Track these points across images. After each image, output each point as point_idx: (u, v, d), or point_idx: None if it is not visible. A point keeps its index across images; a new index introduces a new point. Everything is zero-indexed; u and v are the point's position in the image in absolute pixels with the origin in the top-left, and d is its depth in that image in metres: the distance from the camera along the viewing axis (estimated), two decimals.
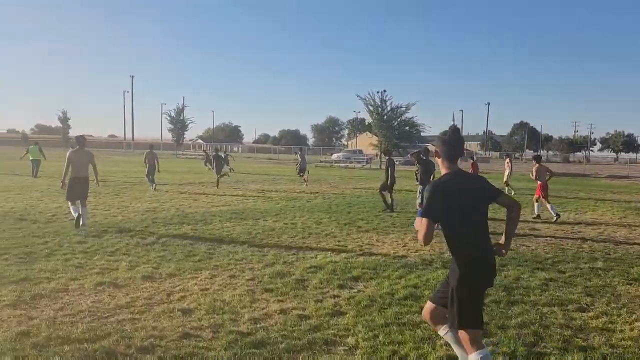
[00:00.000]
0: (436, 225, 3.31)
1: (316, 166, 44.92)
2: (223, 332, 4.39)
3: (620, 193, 22.11)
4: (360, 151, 66.18)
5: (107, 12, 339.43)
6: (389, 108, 44.23)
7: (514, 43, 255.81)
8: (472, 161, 21.26)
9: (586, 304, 5.55)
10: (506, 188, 20.10)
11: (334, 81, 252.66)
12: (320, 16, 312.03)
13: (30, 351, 3.89)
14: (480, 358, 3.24)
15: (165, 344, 4.12)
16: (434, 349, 4.21)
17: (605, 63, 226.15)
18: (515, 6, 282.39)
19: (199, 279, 6.18)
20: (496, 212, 13.64)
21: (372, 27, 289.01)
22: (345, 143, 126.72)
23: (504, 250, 3.53)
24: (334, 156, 61.33)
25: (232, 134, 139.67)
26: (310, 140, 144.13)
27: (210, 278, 6.22)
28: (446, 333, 3.58)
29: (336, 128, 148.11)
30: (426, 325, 4.68)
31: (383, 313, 4.98)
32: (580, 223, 12.07)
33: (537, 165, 13.35)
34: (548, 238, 9.81)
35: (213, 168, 21.28)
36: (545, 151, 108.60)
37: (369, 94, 44.59)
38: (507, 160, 20.86)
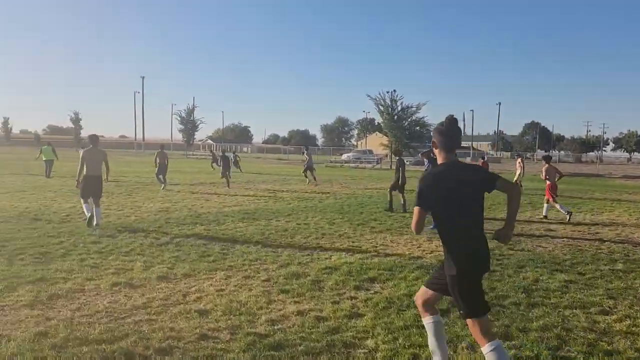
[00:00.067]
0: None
1: (326, 166, 44.90)
2: (241, 334, 4.35)
3: (636, 193, 21.81)
4: (371, 151, 66.03)
5: (117, 13, 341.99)
6: (399, 108, 44.14)
7: (525, 42, 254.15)
8: (482, 161, 21.12)
9: (609, 307, 5.44)
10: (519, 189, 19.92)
11: (344, 81, 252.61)
12: (331, 16, 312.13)
13: (49, 352, 3.86)
14: (492, 350, 3.19)
15: (183, 346, 4.08)
16: (455, 352, 4.14)
17: (618, 63, 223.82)
18: (525, 5, 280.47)
19: (214, 279, 6.14)
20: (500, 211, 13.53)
21: (382, 28, 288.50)
22: (355, 143, 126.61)
23: (506, 237, 3.42)
24: (344, 156, 61.26)
25: (241, 134, 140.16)
26: (320, 140, 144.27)
27: (225, 279, 6.18)
28: (430, 322, 3.59)
29: (345, 128, 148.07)
30: (447, 328, 4.62)
31: (402, 315, 4.91)
32: (597, 224, 11.89)
33: (547, 165, 13.29)
34: (565, 239, 9.67)
35: (220, 168, 21.33)
36: (557, 151, 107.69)
37: (379, 94, 44.57)
38: (519, 160, 20.70)
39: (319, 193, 18.12)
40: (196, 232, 9.38)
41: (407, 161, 35.62)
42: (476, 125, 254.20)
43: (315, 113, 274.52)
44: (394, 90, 44.25)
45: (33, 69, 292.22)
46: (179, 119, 73.66)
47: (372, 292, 5.76)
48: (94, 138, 10.09)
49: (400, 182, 13.51)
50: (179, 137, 79.69)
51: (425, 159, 13.36)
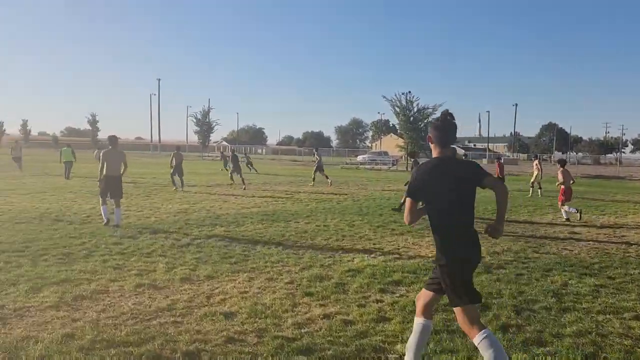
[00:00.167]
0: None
1: (342, 168, 44.82)
2: (268, 337, 4.28)
3: None
4: (386, 153, 65.78)
5: (134, 15, 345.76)
6: (415, 109, 43.89)
7: (543, 43, 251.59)
8: (498, 162, 20.96)
9: None
10: (531, 190, 19.66)
11: (358, 83, 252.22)
12: (347, 16, 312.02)
13: (76, 354, 3.83)
14: (483, 338, 3.22)
15: (210, 349, 4.02)
16: None
17: (637, 63, 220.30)
18: (545, 5, 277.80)
19: (237, 281, 6.09)
20: (518, 213, 13.32)
21: (398, 29, 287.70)
22: (369, 145, 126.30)
23: (496, 232, 3.44)
24: (360, 158, 61.12)
25: (256, 135, 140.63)
26: (334, 142, 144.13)
27: (248, 281, 6.13)
28: (420, 324, 3.58)
29: (360, 130, 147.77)
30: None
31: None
32: (622, 227, 11.64)
33: (562, 169, 13.12)
34: (591, 242, 9.46)
35: (231, 168, 21.39)
36: (575, 153, 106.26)
37: (395, 95, 44.36)
38: (536, 162, 20.40)
39: (336, 195, 18.04)
40: (216, 233, 9.36)
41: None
42: (492, 126, 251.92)
43: (330, 114, 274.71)
44: (409, 92, 44.09)
45: (50, 71, 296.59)
46: (194, 120, 74.08)
47: (398, 295, 5.66)
48: (113, 139, 10.33)
49: None
50: (194, 138, 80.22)
51: None
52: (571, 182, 13.09)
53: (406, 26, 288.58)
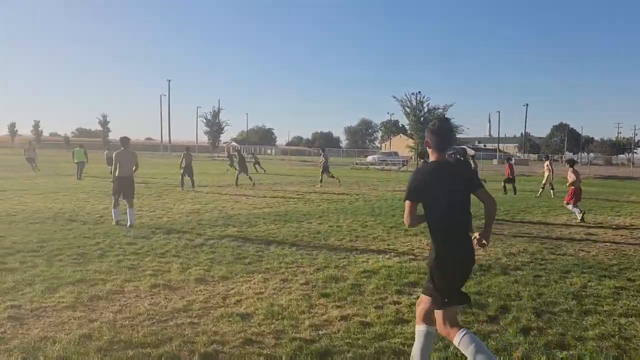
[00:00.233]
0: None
1: (352, 168, 44.74)
2: (286, 339, 4.23)
3: None
4: (396, 153, 65.57)
5: (144, 15, 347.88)
6: (425, 110, 43.71)
7: (552, 42, 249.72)
8: (508, 163, 20.87)
9: None
10: (541, 190, 19.47)
11: (368, 83, 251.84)
12: (355, 16, 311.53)
13: (94, 355, 3.81)
14: (463, 335, 3.30)
15: (228, 351, 3.99)
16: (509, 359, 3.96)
17: None
18: (553, 4, 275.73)
19: (252, 282, 6.06)
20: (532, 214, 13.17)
21: (406, 28, 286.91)
22: (379, 145, 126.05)
23: (484, 242, 3.49)
24: (369, 158, 60.95)
25: (265, 136, 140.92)
26: (344, 142, 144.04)
27: (264, 282, 6.09)
28: (422, 331, 3.55)
29: (369, 130, 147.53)
30: (497, 335, 4.44)
31: None
32: (639, 228, 11.47)
33: (572, 168, 13.06)
34: (607, 243, 9.33)
35: (237, 168, 21.45)
36: (586, 153, 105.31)
37: (405, 95, 44.20)
38: (547, 162, 20.21)
39: (347, 195, 17.98)
40: (229, 233, 9.34)
41: None
42: (502, 126, 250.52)
43: (339, 115, 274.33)
44: (419, 92, 43.92)
45: (61, 72, 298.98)
46: (204, 121, 74.33)
47: (415, 296, 5.58)
48: (125, 140, 10.41)
49: None
50: (203, 139, 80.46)
51: (449, 159, 13.07)
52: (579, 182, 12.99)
53: (415, 26, 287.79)
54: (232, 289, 5.76)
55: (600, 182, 32.45)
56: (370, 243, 8.80)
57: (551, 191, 19.01)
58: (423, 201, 3.44)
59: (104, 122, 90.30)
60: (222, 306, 5.11)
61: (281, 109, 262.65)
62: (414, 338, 4.29)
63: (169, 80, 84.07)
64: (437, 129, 3.56)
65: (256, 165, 33.12)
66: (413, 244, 8.80)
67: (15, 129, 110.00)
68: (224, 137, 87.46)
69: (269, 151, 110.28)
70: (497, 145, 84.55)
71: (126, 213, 10.00)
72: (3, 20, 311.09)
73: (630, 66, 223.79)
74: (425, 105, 43.58)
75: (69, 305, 4.97)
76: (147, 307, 5.01)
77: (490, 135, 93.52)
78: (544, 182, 19.71)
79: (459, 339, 3.32)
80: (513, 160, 22.45)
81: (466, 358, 3.36)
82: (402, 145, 57.91)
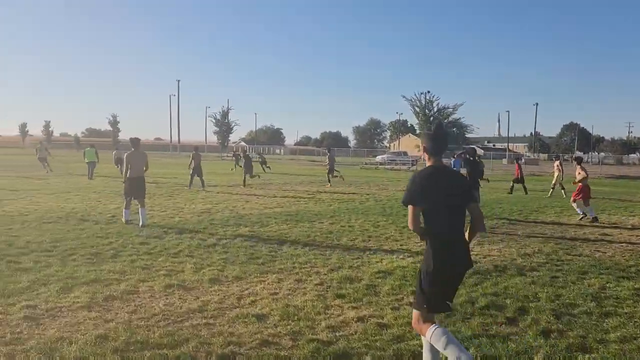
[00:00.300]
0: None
1: (361, 168, 44.64)
2: (303, 341, 4.19)
3: None
4: (405, 153, 65.32)
5: (151, 19, 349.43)
6: (435, 109, 43.52)
7: (563, 42, 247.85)
8: (517, 163, 20.77)
9: None
10: (551, 190, 19.27)
11: (376, 83, 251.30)
12: (364, 16, 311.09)
13: (111, 356, 3.79)
14: (434, 330, 3.38)
15: (245, 352, 3.95)
16: None
17: None
18: (565, 4, 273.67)
19: (266, 282, 6.02)
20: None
21: (415, 27, 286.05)
22: (387, 145, 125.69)
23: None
24: (379, 158, 60.72)
25: (274, 136, 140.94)
26: (352, 142, 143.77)
27: (278, 282, 6.05)
28: (431, 332, 3.46)
29: (378, 130, 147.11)
30: (517, 338, 4.37)
31: (468, 323, 4.67)
32: None
33: (579, 166, 13.04)
34: (623, 244, 9.19)
35: (243, 167, 21.53)
36: (597, 153, 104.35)
37: (414, 94, 44.02)
38: (557, 162, 20.01)
39: (358, 195, 17.92)
40: (241, 233, 9.31)
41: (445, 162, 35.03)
42: (512, 126, 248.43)
43: (348, 115, 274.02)
44: (428, 91, 43.72)
45: (72, 72, 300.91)
46: (214, 121, 74.53)
47: None
48: (135, 141, 10.43)
49: None
50: (212, 139, 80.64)
51: (458, 160, 13.01)
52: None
53: (423, 26, 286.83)
54: (247, 289, 5.73)
55: (612, 182, 32.11)
56: (383, 243, 8.74)
57: (562, 191, 18.81)
58: (423, 203, 3.45)
59: (114, 122, 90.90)
60: (237, 307, 5.08)
61: (290, 109, 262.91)
62: None
63: (179, 81, 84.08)
64: (433, 133, 3.63)
65: (263, 165, 33.19)
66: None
67: (26, 129, 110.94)
68: (233, 137, 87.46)
69: (277, 151, 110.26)
70: (506, 144, 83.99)
71: (138, 213, 10.02)
72: (15, 21, 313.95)
73: None
74: (434, 104, 43.40)
75: (84, 305, 4.96)
76: (162, 307, 4.99)
77: (499, 134, 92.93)
78: (553, 182, 19.52)
79: (430, 334, 3.39)
80: (523, 160, 22.31)
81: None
82: (410, 145, 57.75)
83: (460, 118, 44.69)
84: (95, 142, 31.32)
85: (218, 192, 17.50)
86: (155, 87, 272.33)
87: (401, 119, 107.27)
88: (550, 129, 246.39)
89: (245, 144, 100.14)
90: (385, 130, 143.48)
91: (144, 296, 5.35)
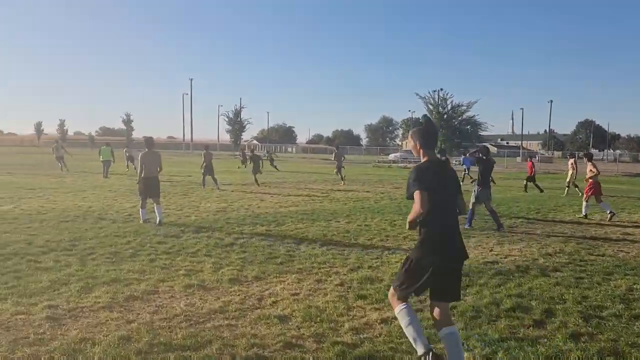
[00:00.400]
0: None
1: (374, 166, 44.47)
2: (327, 343, 4.12)
3: None
4: None
5: (164, 18, 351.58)
6: (449, 107, 43.18)
7: (579, 38, 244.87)
8: (530, 161, 20.59)
9: None
10: (566, 189, 19.00)
11: (389, 81, 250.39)
12: (373, 16, 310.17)
13: (135, 358, 3.76)
14: (402, 309, 3.62)
15: (270, 355, 3.89)
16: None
17: None
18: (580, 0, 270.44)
19: (285, 283, 5.96)
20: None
21: (426, 27, 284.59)
22: (400, 143, 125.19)
23: None
24: (391, 156, 60.47)
25: (285, 134, 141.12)
26: (364, 140, 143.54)
27: (297, 282, 5.99)
28: (444, 336, 3.58)
29: (390, 128, 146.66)
30: (546, 341, 4.26)
31: (494, 326, 4.57)
32: None
33: (591, 163, 12.91)
34: None
35: (248, 167, 21.68)
36: (612, 150, 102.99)
37: (428, 92, 43.72)
38: (572, 160, 19.73)
39: (373, 193, 17.82)
40: (258, 232, 9.28)
41: (455, 161, 34.72)
42: (526, 123, 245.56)
43: (360, 113, 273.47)
44: (441, 89, 43.45)
45: (85, 71, 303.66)
46: (227, 119, 74.71)
47: None
48: (149, 141, 10.44)
49: None
50: (225, 137, 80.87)
51: (471, 158, 12.90)
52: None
53: (439, 26, 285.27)
54: (267, 289, 5.68)
55: (630, 180, 31.62)
56: (401, 242, 8.64)
57: (576, 189, 18.59)
58: (429, 191, 3.47)
59: (128, 121, 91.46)
60: (259, 307, 5.03)
61: (302, 107, 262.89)
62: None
63: (191, 79, 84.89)
64: (425, 129, 3.73)
65: (272, 164, 33.32)
66: None
67: (42, 128, 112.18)
68: (246, 136, 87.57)
69: (289, 149, 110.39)
70: (520, 142, 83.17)
71: (154, 211, 10.03)
72: (31, 21, 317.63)
73: None
74: (448, 102, 43.05)
75: (105, 305, 4.94)
76: (183, 308, 4.95)
77: (513, 132, 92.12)
78: (567, 180, 19.28)
79: (398, 311, 3.63)
80: (537, 158, 22.22)
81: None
82: None
83: (474, 116, 44.20)
84: (110, 141, 31.50)
85: (232, 191, 17.50)
86: (168, 86, 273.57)
87: (413, 116, 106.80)
88: (565, 126, 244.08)
89: (256, 142, 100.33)
90: (398, 128, 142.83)
91: (164, 296, 5.32)
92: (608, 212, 12.11)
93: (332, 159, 23.32)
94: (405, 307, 3.63)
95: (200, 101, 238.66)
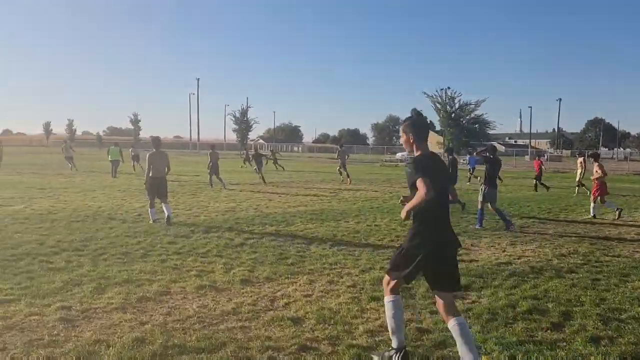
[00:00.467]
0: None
1: (381, 165, 44.37)
2: (342, 346, 4.07)
3: None
4: None
5: (171, 18, 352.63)
6: (457, 105, 42.95)
7: (587, 35, 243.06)
8: (538, 159, 20.49)
9: None
10: (577, 188, 18.83)
11: (395, 79, 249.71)
12: (380, 16, 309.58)
13: None
14: (390, 300, 3.76)
15: (284, 358, 3.85)
16: None
17: None
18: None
19: (297, 284, 5.92)
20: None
21: (434, 25, 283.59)
22: None
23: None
24: (399, 155, 60.26)
25: (292, 133, 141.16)
26: (371, 139, 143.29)
27: (309, 283, 5.95)
28: (454, 325, 3.58)
29: (397, 127, 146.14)
30: (565, 345, 4.19)
31: (512, 329, 4.50)
32: None
33: (597, 163, 12.80)
34: None
35: (253, 166, 21.83)
36: (622, 149, 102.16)
37: (436, 91, 43.51)
38: (581, 159, 19.59)
39: (381, 193, 17.75)
40: (267, 232, 9.25)
41: (462, 160, 34.49)
42: (534, 122, 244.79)
43: (366, 111, 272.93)
44: (448, 88, 43.20)
45: (94, 71, 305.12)
46: (233, 119, 74.70)
47: (470, 301, 5.36)
48: (157, 141, 10.45)
49: (451, 181, 13.06)
50: (231, 137, 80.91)
51: (478, 157, 12.84)
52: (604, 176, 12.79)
53: (448, 26, 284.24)
54: (279, 290, 5.64)
55: None
56: None
57: (583, 187, 18.47)
58: (431, 178, 3.51)
59: (135, 121, 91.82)
60: (271, 309, 4.99)
61: (308, 107, 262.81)
62: (477, 347, 4.09)
63: (198, 79, 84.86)
64: (417, 121, 3.86)
65: (275, 163, 33.50)
66: None
67: (50, 128, 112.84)
68: (252, 135, 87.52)
69: (295, 148, 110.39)
70: (528, 141, 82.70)
71: (163, 211, 10.04)
72: (41, 20, 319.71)
73: None
74: (456, 101, 42.80)
75: (118, 306, 4.92)
76: (195, 309, 4.92)
77: (521, 131, 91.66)
78: (578, 178, 19.15)
79: (387, 300, 3.78)
80: (546, 156, 22.22)
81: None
82: (431, 142, 56.86)
83: (482, 114, 43.89)
84: (118, 141, 31.60)
85: (240, 191, 17.50)
86: (175, 86, 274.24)
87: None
88: (574, 125, 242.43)
89: (263, 142, 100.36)
90: None
91: (176, 297, 5.29)
92: (615, 209, 12.07)
93: (336, 157, 23.44)
94: (394, 299, 3.75)
95: (207, 101, 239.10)
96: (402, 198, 3.95)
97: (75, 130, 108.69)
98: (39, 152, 60.35)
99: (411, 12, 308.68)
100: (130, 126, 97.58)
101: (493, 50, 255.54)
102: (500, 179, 13.08)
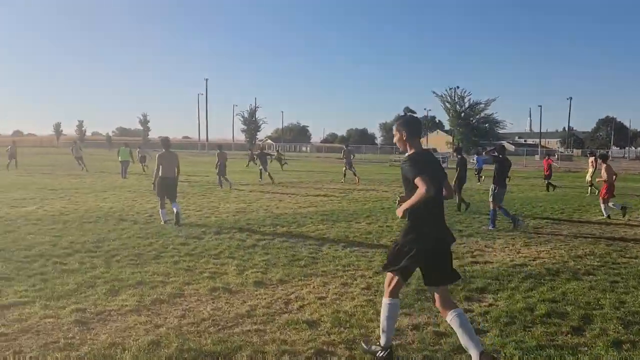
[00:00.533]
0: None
1: (390, 165, 44.21)
2: (359, 350, 4.02)
3: None
4: (435, 149, 64.39)
5: (179, 18, 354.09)
6: (467, 105, 42.69)
7: (597, 34, 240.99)
8: (548, 159, 20.40)
9: None
10: (589, 188, 18.63)
11: (403, 79, 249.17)
12: (387, 17, 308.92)
13: None
14: (387, 303, 3.83)
15: None
16: None
17: None
18: None
19: (311, 286, 5.87)
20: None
21: (442, 24, 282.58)
22: None
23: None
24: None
25: (300, 133, 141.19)
26: (379, 138, 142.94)
27: (323, 285, 5.90)
28: (453, 317, 3.65)
29: None
30: (586, 349, 4.11)
31: (531, 333, 4.42)
32: None
33: (605, 164, 12.68)
34: None
35: (259, 166, 21.94)
36: (634, 148, 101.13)
37: (445, 90, 43.29)
38: (592, 158, 19.41)
39: (391, 193, 17.66)
40: (279, 233, 9.21)
41: (471, 160, 34.28)
42: (544, 121, 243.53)
43: (374, 111, 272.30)
44: (458, 87, 42.95)
45: (103, 72, 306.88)
46: (242, 119, 74.92)
47: (487, 304, 5.29)
48: (166, 142, 10.45)
49: (459, 181, 13.02)
50: (240, 137, 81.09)
51: (487, 157, 12.77)
52: (614, 177, 12.64)
53: (456, 26, 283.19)
54: (292, 293, 5.59)
55: None
56: None
57: (589, 188, 18.30)
58: (429, 176, 3.54)
59: (144, 121, 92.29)
60: (286, 312, 4.94)
61: (316, 106, 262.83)
62: (496, 350, 4.03)
63: (206, 79, 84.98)
64: (410, 119, 3.84)
65: (280, 162, 33.67)
66: (470, 245, 8.46)
67: (60, 128, 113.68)
68: (260, 135, 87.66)
69: (303, 148, 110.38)
70: (538, 140, 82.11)
71: (173, 212, 10.04)
72: (49, 21, 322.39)
73: None
74: (466, 100, 42.53)
75: (132, 309, 4.89)
76: (210, 312, 4.89)
77: (531, 130, 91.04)
78: (588, 178, 18.99)
79: (385, 302, 3.83)
80: (557, 156, 22.14)
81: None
82: (439, 142, 56.77)
83: (492, 114, 43.57)
84: (128, 141, 31.74)
85: (250, 191, 17.49)
86: (184, 86, 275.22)
87: (429, 115, 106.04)
88: (585, 124, 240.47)
89: (271, 142, 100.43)
90: None
91: (190, 300, 5.26)
92: (619, 208, 11.97)
93: (341, 157, 23.52)
94: (392, 302, 3.82)
95: (216, 101, 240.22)
96: (399, 197, 3.93)
97: (85, 131, 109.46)
98: (50, 152, 60.79)
99: (420, 11, 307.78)
100: (140, 127, 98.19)
101: (503, 49, 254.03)
102: (509, 177, 12.98)
